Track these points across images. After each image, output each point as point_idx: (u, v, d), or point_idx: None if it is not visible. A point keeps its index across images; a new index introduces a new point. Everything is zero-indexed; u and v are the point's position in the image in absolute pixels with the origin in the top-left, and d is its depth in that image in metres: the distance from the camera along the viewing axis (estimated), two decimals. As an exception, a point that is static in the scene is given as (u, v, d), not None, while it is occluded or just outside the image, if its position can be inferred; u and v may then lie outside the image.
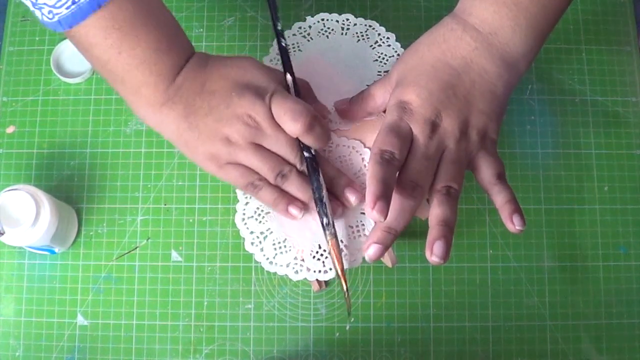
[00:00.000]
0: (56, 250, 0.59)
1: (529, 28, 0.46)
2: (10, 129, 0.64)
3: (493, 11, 0.45)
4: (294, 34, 0.55)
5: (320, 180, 0.47)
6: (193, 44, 0.49)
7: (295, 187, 0.47)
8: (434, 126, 0.45)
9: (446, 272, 0.60)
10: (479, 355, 0.59)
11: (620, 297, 0.60)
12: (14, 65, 0.65)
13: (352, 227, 0.49)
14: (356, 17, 0.56)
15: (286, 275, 0.49)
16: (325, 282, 0.59)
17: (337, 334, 0.59)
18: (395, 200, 0.44)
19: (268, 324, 0.59)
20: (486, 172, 0.46)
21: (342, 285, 0.47)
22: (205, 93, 0.46)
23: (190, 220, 0.61)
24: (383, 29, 0.55)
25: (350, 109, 0.51)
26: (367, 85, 0.51)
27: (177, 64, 0.46)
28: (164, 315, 0.59)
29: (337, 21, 0.56)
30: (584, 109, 0.65)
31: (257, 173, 0.47)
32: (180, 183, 0.62)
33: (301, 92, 0.49)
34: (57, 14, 0.42)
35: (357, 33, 0.55)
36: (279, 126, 0.46)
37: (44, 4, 0.42)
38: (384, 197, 0.42)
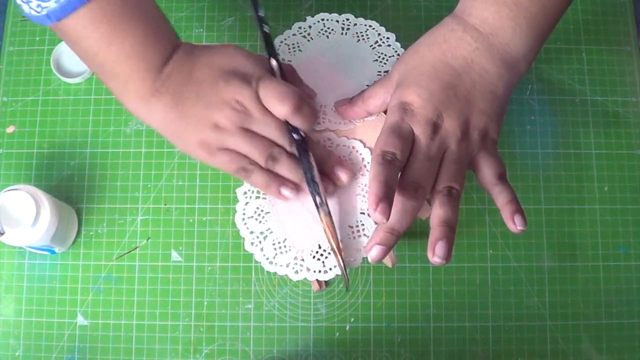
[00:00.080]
0: (56, 250, 0.59)
1: (530, 28, 0.46)
2: (10, 129, 0.64)
3: (493, 11, 0.45)
4: (294, 34, 0.55)
5: (311, 160, 0.47)
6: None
7: (286, 168, 0.48)
8: (435, 127, 0.45)
9: (446, 272, 0.60)
10: (479, 355, 0.59)
11: (620, 297, 0.60)
12: (14, 65, 0.65)
13: (352, 227, 0.49)
14: (356, 17, 0.56)
15: (286, 275, 0.49)
16: (325, 282, 0.59)
17: (337, 334, 0.59)
18: (398, 201, 0.44)
19: (268, 324, 0.59)
20: (487, 172, 0.46)
21: (338, 260, 0.47)
22: (192, 82, 0.47)
23: (190, 220, 0.61)
24: (383, 29, 0.55)
25: (351, 108, 0.51)
26: (367, 85, 0.51)
27: (165, 55, 0.47)
28: (164, 315, 0.59)
29: (337, 21, 0.56)
30: (584, 109, 0.65)
31: (247, 157, 0.48)
32: (180, 183, 0.62)
33: (287, 76, 0.50)
34: (45, 7, 0.42)
35: (357, 33, 0.55)
36: (267, 110, 0.47)
37: None
38: (386, 198, 0.42)
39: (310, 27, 0.56)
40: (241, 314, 0.59)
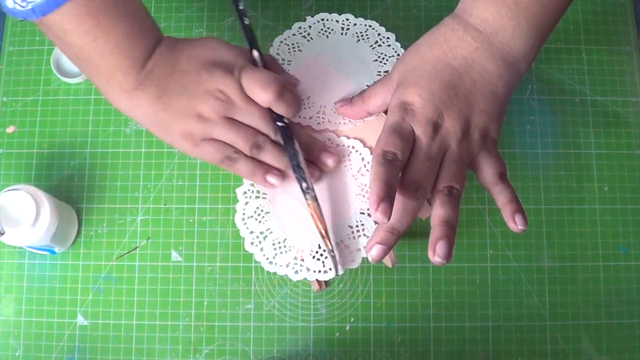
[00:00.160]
0: (56, 250, 0.59)
1: (530, 28, 0.46)
2: (10, 129, 0.64)
3: (494, 11, 0.45)
4: (293, 34, 0.55)
5: (296, 147, 0.48)
6: (193, 44, 0.50)
7: (271, 156, 0.48)
8: (436, 126, 0.45)
9: (446, 272, 0.60)
10: (479, 355, 0.59)
11: (620, 297, 0.60)
12: (14, 65, 0.65)
13: (352, 227, 0.49)
14: (356, 17, 0.56)
15: (286, 275, 0.49)
16: (325, 282, 0.59)
17: (337, 334, 0.59)
18: (398, 200, 0.44)
19: (268, 324, 0.59)
20: (488, 171, 0.46)
21: (326, 244, 0.47)
22: (176, 74, 0.47)
23: (190, 220, 0.61)
24: (383, 29, 0.55)
25: (351, 108, 0.51)
26: (367, 85, 0.51)
27: (148, 48, 0.47)
28: (164, 315, 0.59)
29: (337, 21, 0.56)
30: (584, 109, 0.65)
31: (232, 147, 0.48)
32: (180, 183, 0.62)
33: (269, 66, 0.50)
34: (31, 2, 0.42)
35: (357, 33, 0.55)
36: (250, 99, 0.48)
37: None
38: (387, 198, 0.42)
39: (310, 27, 0.56)
40: (241, 314, 0.59)
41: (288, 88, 0.48)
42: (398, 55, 0.54)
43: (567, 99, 0.65)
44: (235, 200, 0.51)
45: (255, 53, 0.50)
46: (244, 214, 0.50)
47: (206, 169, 0.62)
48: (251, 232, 0.50)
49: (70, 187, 0.62)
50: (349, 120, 0.52)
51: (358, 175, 0.50)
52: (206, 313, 0.59)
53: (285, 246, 0.49)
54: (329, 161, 0.49)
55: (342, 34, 0.55)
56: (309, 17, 0.56)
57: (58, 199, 0.58)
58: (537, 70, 0.66)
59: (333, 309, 0.59)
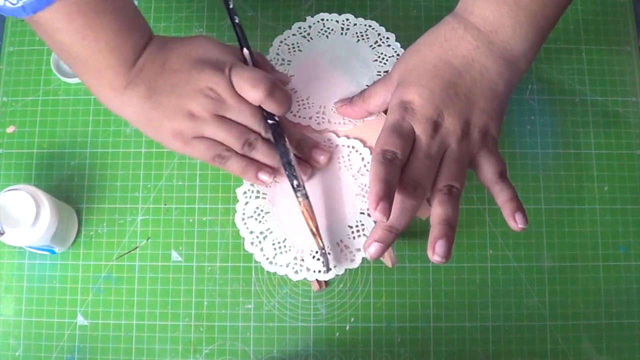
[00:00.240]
0: (56, 250, 0.59)
1: (530, 26, 0.46)
2: (10, 129, 0.64)
3: (494, 10, 0.45)
4: (293, 34, 0.55)
5: (286, 144, 0.48)
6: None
7: (262, 154, 0.48)
8: (436, 125, 0.45)
9: (446, 272, 0.60)
10: (479, 355, 0.59)
11: (620, 297, 0.60)
12: (14, 65, 0.65)
13: (351, 227, 0.49)
14: (356, 17, 0.56)
15: (286, 275, 0.49)
16: (325, 282, 0.59)
17: (337, 334, 0.59)
18: (397, 199, 0.44)
19: (268, 324, 0.59)
20: (488, 170, 0.46)
21: (317, 243, 0.47)
22: (165, 72, 0.47)
23: (190, 220, 0.61)
24: (383, 29, 0.55)
25: (351, 108, 0.51)
26: (367, 85, 0.51)
27: (138, 47, 0.47)
28: (164, 315, 0.59)
29: (337, 21, 0.56)
30: (584, 109, 0.65)
31: (223, 145, 0.48)
32: (180, 183, 0.62)
33: (259, 64, 0.50)
34: None
35: (357, 33, 0.55)
36: (241, 97, 0.47)
37: None
38: (386, 198, 0.42)
39: (310, 27, 0.56)
40: (241, 314, 0.59)
41: (278, 86, 0.48)
42: (398, 55, 0.54)
43: (567, 99, 0.65)
44: (235, 200, 0.51)
45: (246, 51, 0.50)
46: (244, 214, 0.50)
47: (206, 169, 0.62)
48: (251, 232, 0.50)
49: (70, 187, 0.62)
50: (349, 120, 0.52)
51: (358, 175, 0.50)
52: (206, 313, 0.59)
53: (285, 246, 0.49)
54: (321, 158, 0.49)
55: (342, 34, 0.55)
56: (309, 17, 0.56)
57: (58, 199, 0.58)
58: (537, 70, 0.66)
59: (333, 309, 0.59)
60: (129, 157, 0.62)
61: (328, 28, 0.55)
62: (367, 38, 0.55)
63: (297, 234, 0.49)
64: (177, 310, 0.59)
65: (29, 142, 0.63)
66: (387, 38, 0.55)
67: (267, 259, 0.49)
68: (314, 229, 0.47)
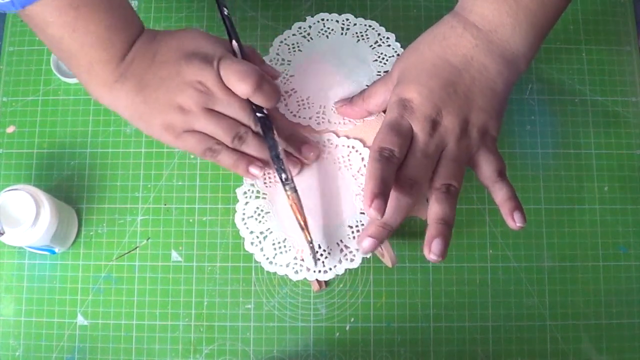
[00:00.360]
0: (56, 250, 0.59)
1: (529, 25, 0.46)
2: (10, 129, 0.64)
3: (493, 9, 0.45)
4: (293, 34, 0.55)
5: (275, 138, 0.48)
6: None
7: (252, 147, 0.49)
8: (434, 124, 0.45)
9: (446, 272, 0.60)
10: (479, 355, 0.59)
11: (620, 297, 0.60)
12: (14, 65, 0.65)
13: (351, 227, 0.49)
14: (356, 17, 0.56)
15: (286, 275, 0.49)
16: (325, 282, 0.59)
17: (337, 334, 0.59)
18: (392, 196, 0.44)
19: (268, 324, 0.59)
20: (487, 169, 0.46)
21: (305, 236, 0.47)
22: (155, 66, 0.47)
23: (190, 220, 0.61)
24: (383, 29, 0.55)
25: (351, 108, 0.51)
26: (367, 85, 0.51)
27: (129, 41, 0.47)
28: (164, 315, 0.59)
29: (337, 21, 0.56)
30: (584, 109, 0.65)
31: (214, 138, 0.48)
32: (180, 183, 0.62)
33: (248, 57, 0.50)
34: None
35: (357, 33, 0.55)
36: (230, 90, 0.47)
37: None
38: (381, 195, 0.42)
39: (310, 27, 0.56)
40: (241, 314, 0.59)
41: (266, 79, 0.47)
42: (398, 55, 0.54)
43: (567, 99, 0.65)
44: (235, 200, 0.51)
45: (235, 44, 0.50)
46: (244, 214, 0.50)
47: (206, 169, 0.62)
48: (251, 232, 0.50)
49: (70, 187, 0.62)
50: (349, 120, 0.52)
51: (358, 175, 0.50)
52: (206, 313, 0.59)
53: (285, 246, 0.49)
54: (310, 155, 0.50)
55: (342, 34, 0.55)
56: (309, 17, 0.56)
57: (58, 199, 0.58)
58: (537, 70, 0.66)
59: (333, 309, 0.59)
60: (129, 157, 0.62)
61: (328, 28, 0.55)
62: (367, 38, 0.55)
63: (297, 234, 0.49)
64: (177, 310, 0.59)
65: (29, 142, 0.63)
66: (387, 38, 0.55)
67: (267, 259, 0.49)
68: (302, 223, 0.47)
